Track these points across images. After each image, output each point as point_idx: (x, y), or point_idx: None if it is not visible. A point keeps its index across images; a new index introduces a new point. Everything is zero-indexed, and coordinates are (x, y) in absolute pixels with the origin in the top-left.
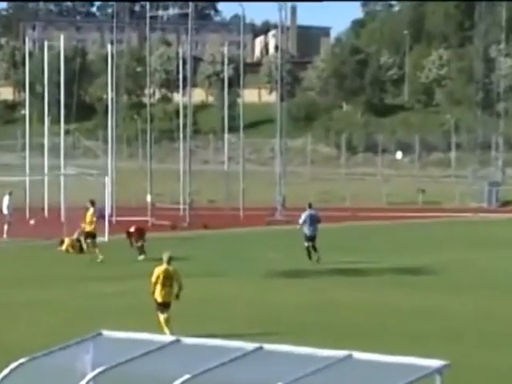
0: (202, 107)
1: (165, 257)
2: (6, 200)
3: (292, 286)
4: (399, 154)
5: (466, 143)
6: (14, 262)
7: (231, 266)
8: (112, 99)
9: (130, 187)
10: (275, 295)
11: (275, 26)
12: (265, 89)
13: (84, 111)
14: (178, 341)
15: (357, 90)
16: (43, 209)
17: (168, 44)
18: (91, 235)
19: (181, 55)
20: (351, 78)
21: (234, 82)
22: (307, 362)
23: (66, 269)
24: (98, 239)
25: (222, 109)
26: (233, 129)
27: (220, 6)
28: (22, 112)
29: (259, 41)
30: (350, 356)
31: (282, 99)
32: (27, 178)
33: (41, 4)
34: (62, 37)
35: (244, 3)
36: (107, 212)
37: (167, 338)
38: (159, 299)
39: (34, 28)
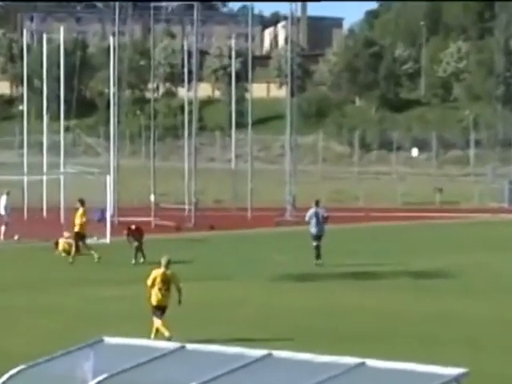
0: (208, 102)
1: (163, 260)
2: (3, 200)
3: (301, 290)
4: (415, 152)
5: (486, 140)
6: (11, 264)
7: (238, 268)
8: (114, 94)
9: (132, 186)
10: (283, 299)
11: (285, 18)
12: (274, 83)
13: (84, 107)
14: (182, 347)
15: (371, 84)
16: (42, 209)
17: (173, 36)
18: (80, 236)
19: (186, 48)
20: (365, 72)
21: (241, 76)
22: (318, 370)
23: (65, 271)
24: (100, 241)
25: (229, 104)
26: (240, 125)
27: None
28: (20, 108)
29: (268, 33)
30: (362, 363)
31: (292, 94)
32: (25, 178)
33: None
34: (61, 28)
35: None
36: (109, 212)
37: (171, 344)
38: (154, 302)
39: (32, 19)
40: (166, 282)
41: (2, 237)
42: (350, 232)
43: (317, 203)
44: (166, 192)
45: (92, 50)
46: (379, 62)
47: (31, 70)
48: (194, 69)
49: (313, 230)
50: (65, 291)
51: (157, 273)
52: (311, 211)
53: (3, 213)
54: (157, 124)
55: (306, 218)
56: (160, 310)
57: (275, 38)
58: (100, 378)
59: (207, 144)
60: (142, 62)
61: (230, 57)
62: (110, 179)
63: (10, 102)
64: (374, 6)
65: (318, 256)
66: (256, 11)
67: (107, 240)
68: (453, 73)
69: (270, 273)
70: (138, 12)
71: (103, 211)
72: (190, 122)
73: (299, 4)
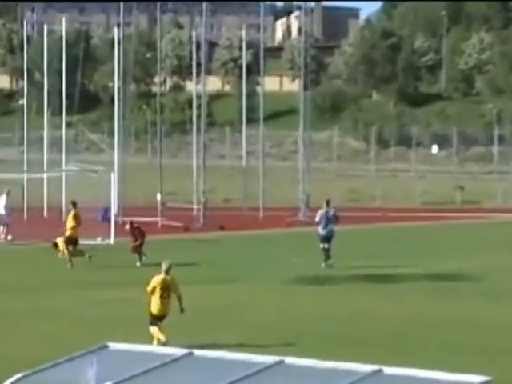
0: (217, 97)
1: (164, 266)
2: (2, 199)
3: (315, 294)
4: (435, 148)
5: (510, 136)
6: (10, 266)
7: (249, 271)
8: (118, 88)
9: (138, 185)
10: (295, 303)
11: (298, 7)
12: (287, 76)
13: (88, 101)
14: (190, 353)
15: (388, 77)
16: (42, 209)
17: (180, 27)
18: (72, 241)
19: (194, 39)
20: (382, 65)
21: (252, 69)
22: (333, 378)
23: (66, 273)
24: (104, 242)
25: (239, 98)
26: (252, 120)
27: None
28: (20, 102)
29: (281, 23)
30: (379, 371)
31: (305, 88)
32: (25, 175)
33: None
34: (63, 19)
35: None
36: (113, 212)
37: (179, 350)
38: (155, 312)
39: (32, 10)
40: (167, 289)
41: (2, 236)
42: (366, 233)
43: (327, 203)
44: (174, 191)
45: (96, 41)
46: (397, 54)
47: (32, 62)
48: (202, 61)
49: (322, 231)
50: (65, 294)
51: (156, 280)
52: (322, 211)
53: (3, 213)
54: (163, 119)
55: (317, 219)
56: (160, 319)
57: (288, 28)
58: None
59: (217, 140)
60: (148, 55)
61: (240, 48)
62: (114, 177)
63: (10, 96)
64: None
65: (328, 257)
66: (268, 1)
67: (111, 241)
68: (475, 65)
69: (282, 275)
70: (143, 2)
71: (107, 210)
72: (198, 117)
73: None
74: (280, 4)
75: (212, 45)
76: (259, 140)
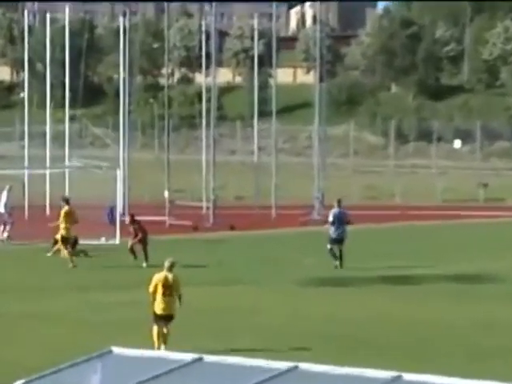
0: (228, 89)
1: (167, 263)
2: (3, 197)
3: (329, 296)
4: (457, 143)
5: None
6: (10, 266)
7: (260, 272)
8: (124, 80)
9: (144, 182)
10: (308, 305)
11: None
12: (301, 68)
13: (92, 94)
14: (200, 359)
15: (408, 68)
16: (44, 207)
17: (189, 16)
18: (66, 240)
19: (204, 29)
20: (401, 55)
21: (265, 60)
22: None
23: (67, 274)
24: (109, 242)
25: (251, 91)
26: (264, 114)
27: None
28: (21, 95)
29: (295, 12)
30: (399, 377)
31: (320, 80)
32: (26, 172)
33: None
34: (66, 8)
35: None
36: (118, 210)
37: (188, 355)
38: (158, 311)
39: None
40: (169, 286)
41: (5, 234)
42: (385, 232)
43: (339, 202)
44: (182, 188)
45: (100, 31)
46: (417, 44)
47: (33, 53)
48: (212, 52)
49: (333, 232)
50: (67, 296)
51: (158, 278)
52: (335, 211)
53: (3, 211)
54: (171, 113)
55: (330, 219)
56: (164, 319)
57: (302, 17)
58: None
59: (227, 135)
60: (156, 45)
61: (252, 38)
62: (119, 174)
63: (10, 88)
64: None
65: (336, 258)
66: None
67: (116, 241)
68: (499, 55)
69: (295, 277)
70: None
71: (112, 209)
72: (208, 110)
73: None
74: None
75: (222, 34)
76: (271, 135)
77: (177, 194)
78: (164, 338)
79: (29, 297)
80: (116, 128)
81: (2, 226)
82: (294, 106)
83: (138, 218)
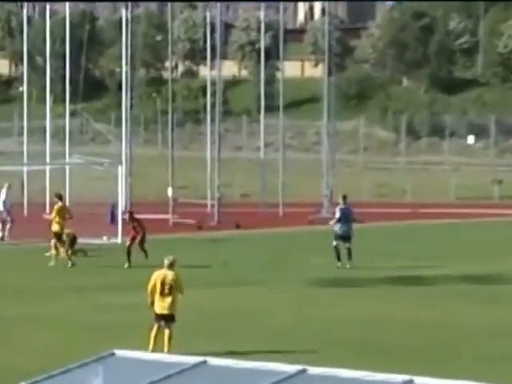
0: (233, 83)
1: (167, 260)
2: (2, 194)
3: (339, 298)
4: (471, 139)
5: None
6: (8, 267)
7: (266, 272)
8: (126, 74)
9: (147, 179)
10: (316, 307)
11: None
12: (309, 61)
13: (93, 88)
14: (204, 362)
15: (420, 61)
16: (44, 204)
17: (193, 7)
18: (57, 236)
19: (209, 20)
20: (413, 48)
21: (272, 53)
22: None
23: (67, 276)
24: (110, 241)
25: (257, 85)
26: (270, 109)
27: None
28: (20, 89)
29: (302, 3)
30: (410, 381)
31: (329, 73)
32: (25, 168)
33: None
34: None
35: None
36: (120, 208)
37: (191, 358)
38: (157, 310)
39: None
40: (168, 284)
41: (6, 233)
42: (396, 230)
43: (344, 198)
44: (186, 185)
45: (102, 23)
46: (430, 37)
47: (33, 46)
48: (217, 44)
49: (339, 229)
50: (67, 298)
51: (156, 275)
52: (342, 207)
53: (1, 209)
54: (175, 108)
55: (337, 215)
56: (164, 319)
57: (310, 9)
58: None
59: (232, 130)
60: (159, 37)
61: (258, 30)
62: (121, 170)
63: (9, 82)
64: None
65: (339, 258)
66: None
67: (118, 240)
68: None
69: (302, 277)
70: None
71: (114, 207)
72: (213, 105)
73: None
74: None
75: (228, 27)
76: (279, 130)
77: (181, 191)
78: (168, 340)
79: (28, 298)
80: (118, 123)
81: (1, 225)
82: (301, 101)
83: (140, 216)
